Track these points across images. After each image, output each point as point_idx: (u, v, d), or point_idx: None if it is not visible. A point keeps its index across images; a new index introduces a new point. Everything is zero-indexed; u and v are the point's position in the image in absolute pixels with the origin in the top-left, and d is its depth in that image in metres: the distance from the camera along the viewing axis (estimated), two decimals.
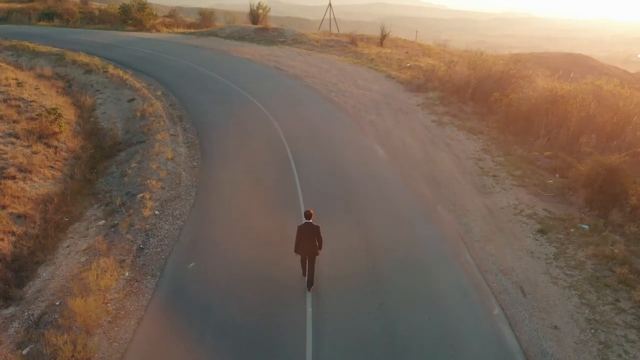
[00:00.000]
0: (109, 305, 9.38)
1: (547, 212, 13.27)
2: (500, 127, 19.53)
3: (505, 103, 19.72)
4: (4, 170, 14.29)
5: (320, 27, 54.05)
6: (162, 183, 14.30)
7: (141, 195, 13.50)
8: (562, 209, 13.53)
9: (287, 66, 30.20)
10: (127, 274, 10.34)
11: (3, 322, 9.26)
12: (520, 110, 19.22)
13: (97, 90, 24.53)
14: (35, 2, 50.97)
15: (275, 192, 14.09)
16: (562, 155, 16.51)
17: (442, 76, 25.60)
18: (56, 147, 16.92)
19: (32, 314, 9.34)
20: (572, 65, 44.47)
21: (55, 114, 18.11)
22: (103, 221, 12.72)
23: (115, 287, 9.88)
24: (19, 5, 50.26)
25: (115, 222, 12.47)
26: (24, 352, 8.39)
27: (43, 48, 32.68)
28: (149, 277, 10.29)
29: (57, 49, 32.58)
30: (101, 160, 16.95)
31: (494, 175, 15.42)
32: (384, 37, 40.07)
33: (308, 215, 9.84)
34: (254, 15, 47.22)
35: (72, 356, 8.04)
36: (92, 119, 21.12)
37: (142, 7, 45.21)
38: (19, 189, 13.67)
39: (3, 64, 26.54)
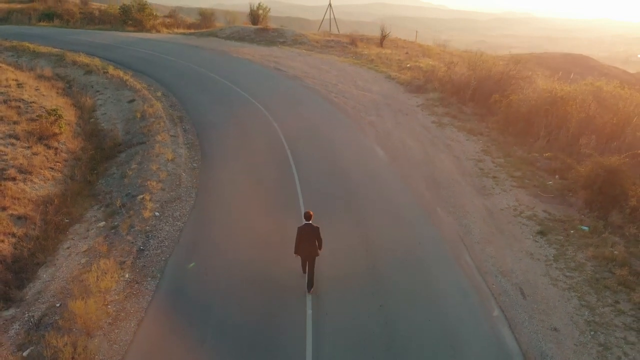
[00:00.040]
0: (109, 307, 9.40)
1: (547, 214, 13.29)
2: (500, 128, 19.55)
3: (505, 104, 19.74)
4: (4, 172, 14.30)
5: (320, 27, 54.06)
6: (162, 184, 14.32)
7: (141, 196, 13.52)
8: (562, 210, 13.54)
9: (287, 67, 30.22)
10: (127, 275, 10.35)
11: (3, 323, 9.27)
12: (520, 112, 19.24)
13: (98, 91, 24.55)
14: (36, 3, 50.99)
15: (275, 193, 14.11)
16: (561, 156, 16.53)
17: (442, 77, 25.63)
18: (56, 149, 16.93)
19: (33, 316, 9.35)
20: (572, 65, 44.52)
21: (55, 115, 18.13)
22: (103, 222, 12.73)
23: (115, 289, 9.89)
24: (19, 6, 50.28)
25: (116, 223, 12.48)
26: (25, 354, 8.40)
27: (43, 49, 32.69)
28: (149, 278, 10.31)
29: (57, 49, 32.60)
30: (101, 162, 16.96)
31: (494, 177, 15.44)
32: (383, 37, 40.09)
33: (308, 216, 9.86)
34: (254, 16, 47.23)
35: (73, 358, 8.06)
36: (92, 120, 21.14)
37: (142, 8, 45.23)
38: (19, 191, 13.68)
39: (3, 65, 26.56)
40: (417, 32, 47.92)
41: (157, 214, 12.76)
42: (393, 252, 11.30)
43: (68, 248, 11.75)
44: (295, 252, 9.88)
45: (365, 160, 16.51)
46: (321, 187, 14.39)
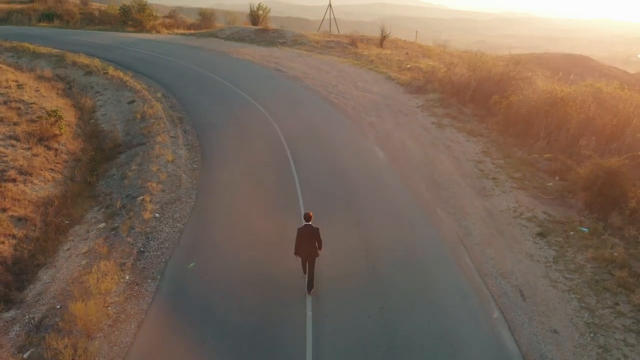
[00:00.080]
0: (109, 308, 9.41)
1: (547, 215, 13.30)
2: (500, 129, 19.56)
3: (505, 105, 19.75)
4: (4, 173, 14.31)
5: (320, 27, 54.07)
6: (163, 185, 14.33)
7: (141, 197, 13.53)
8: (562, 211, 13.55)
9: (287, 67, 30.23)
10: (127, 277, 10.36)
11: (4, 325, 9.28)
12: (520, 113, 19.24)
13: (98, 92, 24.56)
14: (36, 3, 51.00)
15: (275, 194, 14.12)
16: (561, 157, 16.54)
17: (442, 78, 25.64)
18: (56, 150, 16.94)
19: (33, 318, 9.36)
20: (572, 66, 44.57)
21: (55, 116, 18.14)
22: (103, 224, 12.74)
23: (115, 291, 9.90)
24: (19, 6, 50.30)
25: (116, 224, 12.49)
26: (25, 355, 8.41)
27: (43, 49, 32.70)
28: (149, 280, 10.32)
29: (57, 50, 32.61)
30: (101, 163, 16.97)
31: (494, 178, 15.45)
32: (383, 38, 40.11)
33: (307, 217, 9.89)
34: (254, 16, 47.26)
35: None
36: (92, 121, 21.15)
37: (142, 8, 45.26)
38: (20, 192, 13.69)
39: (3, 66, 26.56)
40: (417, 32, 47.94)
41: (157, 215, 12.77)
42: (393, 253, 11.32)
43: (68, 249, 11.76)
44: (295, 253, 9.92)
45: (365, 161, 16.53)
46: (321, 188, 14.40)
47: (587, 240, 12.02)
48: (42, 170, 15.25)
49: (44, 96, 22.31)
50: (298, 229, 9.89)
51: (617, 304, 9.86)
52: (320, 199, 13.63)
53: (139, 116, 20.45)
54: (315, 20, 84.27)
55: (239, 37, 41.44)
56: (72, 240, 12.18)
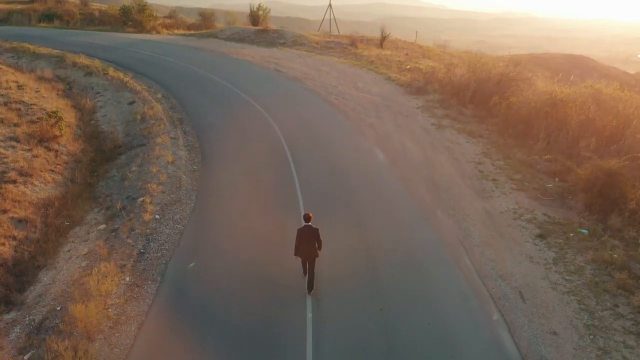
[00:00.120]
0: (109, 310, 9.43)
1: (547, 217, 13.31)
2: (500, 130, 19.56)
3: (504, 106, 19.75)
4: (4, 175, 14.33)
5: (320, 27, 54.07)
6: (163, 187, 14.35)
7: (142, 199, 13.55)
8: (562, 213, 13.56)
9: (287, 68, 30.24)
10: (127, 278, 10.38)
11: (4, 327, 9.29)
12: (519, 114, 19.25)
13: (98, 93, 24.58)
14: (36, 4, 51.04)
15: (275, 194, 14.14)
16: (561, 159, 16.54)
17: (441, 79, 25.63)
18: (57, 151, 16.96)
19: (34, 319, 9.38)
20: (573, 66, 44.60)
21: (55, 117, 18.16)
22: (104, 225, 12.76)
23: (116, 292, 9.92)
24: (19, 7, 50.33)
25: (116, 226, 12.51)
26: (26, 357, 8.44)
27: (43, 50, 32.72)
28: (149, 282, 10.34)
29: (57, 50, 32.63)
30: (102, 164, 16.99)
31: (494, 179, 15.46)
32: (383, 38, 40.12)
33: (307, 218, 9.94)
34: (254, 17, 47.25)
35: None
36: (92, 121, 21.16)
37: (143, 9, 45.28)
38: (20, 193, 13.71)
39: (3, 67, 26.58)
40: (417, 32, 47.95)
41: (157, 216, 12.79)
42: (393, 254, 11.34)
43: (69, 251, 11.77)
44: (295, 254, 9.97)
45: (365, 162, 16.54)
46: (321, 189, 14.42)
47: (586, 242, 12.03)
48: (42, 171, 15.26)
49: (44, 97, 22.33)
50: (298, 229, 9.93)
51: (616, 305, 9.88)
52: (320, 200, 13.65)
53: (139, 117, 20.47)
54: (315, 20, 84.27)
55: (239, 37, 41.45)
56: (73, 242, 12.20)
